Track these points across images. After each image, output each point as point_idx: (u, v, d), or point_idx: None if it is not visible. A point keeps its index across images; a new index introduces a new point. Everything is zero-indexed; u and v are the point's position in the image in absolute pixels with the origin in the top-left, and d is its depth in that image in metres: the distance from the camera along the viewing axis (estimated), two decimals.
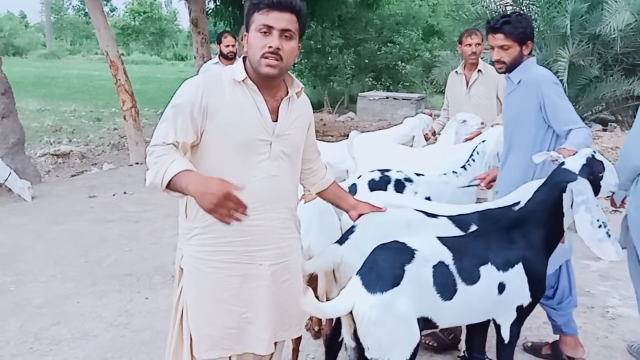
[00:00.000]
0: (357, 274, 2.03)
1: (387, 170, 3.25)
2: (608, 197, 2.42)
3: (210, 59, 8.05)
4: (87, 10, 8.95)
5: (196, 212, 1.89)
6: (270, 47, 1.76)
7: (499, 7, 11.65)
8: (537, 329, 3.42)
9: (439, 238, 2.21)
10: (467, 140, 4.08)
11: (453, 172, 3.39)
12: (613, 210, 6.00)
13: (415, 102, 13.14)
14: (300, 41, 1.87)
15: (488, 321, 2.39)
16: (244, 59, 1.90)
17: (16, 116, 7.01)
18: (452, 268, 2.11)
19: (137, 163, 8.31)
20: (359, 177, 3.30)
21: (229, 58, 5.88)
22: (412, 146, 4.77)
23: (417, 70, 16.66)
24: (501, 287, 2.18)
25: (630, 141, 2.83)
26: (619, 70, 9.79)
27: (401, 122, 5.25)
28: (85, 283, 4.09)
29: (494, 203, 2.57)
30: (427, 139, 4.94)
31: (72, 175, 7.68)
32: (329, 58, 15.20)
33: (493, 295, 2.18)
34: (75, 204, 6.12)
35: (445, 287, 2.08)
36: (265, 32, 1.78)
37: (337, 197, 2.27)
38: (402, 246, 2.11)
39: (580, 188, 2.20)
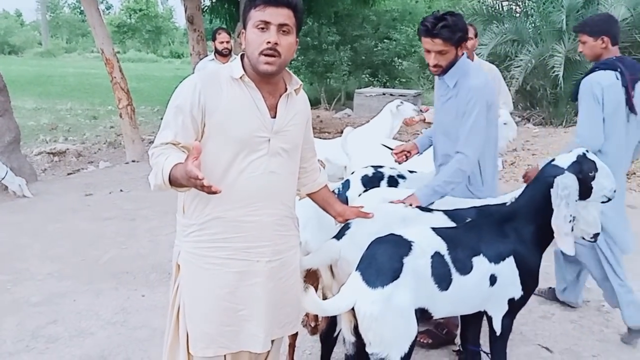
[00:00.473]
0: (356, 270, 2.04)
1: (381, 167, 3.26)
2: (604, 202, 2.38)
3: (207, 56, 8.04)
4: (82, 8, 8.91)
5: (193, 209, 1.89)
6: (268, 42, 1.76)
7: (495, 2, 11.66)
8: (533, 323, 3.44)
9: (433, 229, 2.24)
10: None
11: None
12: None
13: (412, 98, 13.12)
14: (297, 36, 1.87)
15: (482, 314, 2.41)
16: (242, 56, 1.90)
17: (12, 114, 6.99)
18: (447, 258, 2.15)
19: (133, 161, 8.30)
20: (352, 173, 3.31)
21: (224, 55, 5.89)
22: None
23: (414, 66, 16.62)
24: (493, 279, 2.22)
25: (583, 125, 2.97)
26: None
27: None
28: (82, 281, 4.09)
29: (496, 199, 2.59)
30: (408, 124, 5.02)
31: (69, 174, 7.67)
32: (326, 55, 15.16)
33: (485, 286, 2.22)
34: (72, 202, 6.11)
35: (442, 278, 2.12)
36: (262, 28, 1.78)
37: (325, 201, 2.27)
38: (398, 239, 2.13)
39: (566, 182, 2.23)
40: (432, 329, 3.09)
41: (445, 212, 2.47)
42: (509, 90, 10.31)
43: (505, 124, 4.30)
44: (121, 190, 6.60)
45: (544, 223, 2.29)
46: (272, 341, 2.12)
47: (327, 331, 2.60)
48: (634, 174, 6.98)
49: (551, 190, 2.25)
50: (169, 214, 5.44)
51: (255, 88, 1.85)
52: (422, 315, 2.13)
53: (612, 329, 3.37)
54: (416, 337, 2.07)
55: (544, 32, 10.12)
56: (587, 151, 2.34)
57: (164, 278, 4.09)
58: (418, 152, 3.15)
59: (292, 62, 15.61)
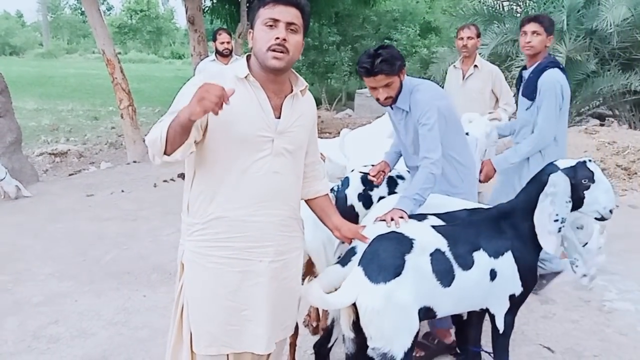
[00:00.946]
0: (359, 265, 2.05)
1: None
2: (597, 219, 2.37)
3: (207, 56, 8.04)
4: (83, 9, 8.92)
5: (197, 208, 1.90)
6: (277, 38, 1.78)
7: (495, 2, 11.66)
8: (535, 322, 3.43)
9: (433, 226, 2.25)
10: None
11: None
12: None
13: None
14: (304, 38, 1.88)
15: (482, 314, 2.41)
16: (248, 57, 1.91)
17: (13, 115, 7.00)
18: (449, 254, 2.16)
19: (134, 161, 8.31)
20: (351, 171, 3.31)
21: (224, 55, 5.89)
22: None
23: (415, 66, 16.63)
24: (493, 274, 2.24)
25: (546, 120, 3.31)
26: (615, 65, 9.80)
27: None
28: (83, 281, 4.09)
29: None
30: None
31: (70, 174, 7.68)
32: (327, 55, 15.19)
33: (486, 281, 2.23)
34: (73, 203, 6.12)
35: (444, 274, 2.13)
36: (271, 26, 1.79)
37: (323, 211, 2.20)
38: (400, 236, 2.14)
39: (555, 180, 2.24)
40: (422, 341, 3.00)
41: (439, 216, 2.47)
42: (510, 90, 10.36)
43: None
44: (122, 191, 6.60)
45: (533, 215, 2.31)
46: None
47: (321, 342, 2.58)
48: (635, 173, 6.97)
49: (545, 186, 2.27)
50: (170, 215, 5.46)
51: (260, 88, 1.85)
52: (427, 314, 2.13)
53: (613, 329, 3.37)
54: (418, 333, 2.07)
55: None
56: (589, 160, 2.33)
57: (165, 278, 4.10)
58: (390, 169, 3.18)
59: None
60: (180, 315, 1.99)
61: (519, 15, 11.47)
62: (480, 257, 2.22)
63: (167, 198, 6.15)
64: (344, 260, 2.26)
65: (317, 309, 3.05)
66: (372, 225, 2.34)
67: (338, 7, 14.20)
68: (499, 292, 2.28)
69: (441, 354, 3.03)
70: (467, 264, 2.18)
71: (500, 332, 2.35)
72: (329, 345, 2.56)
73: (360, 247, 2.23)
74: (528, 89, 3.40)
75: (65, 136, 10.22)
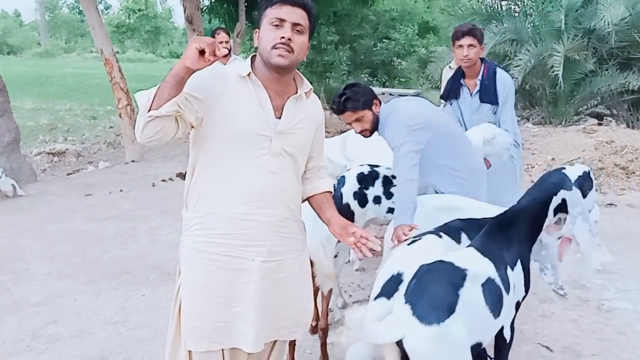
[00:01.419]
0: (405, 302, 1.84)
1: (377, 166, 3.27)
2: None
3: None
4: (81, 8, 8.91)
5: (195, 201, 1.90)
6: (282, 37, 1.78)
7: (494, 2, 11.68)
8: (533, 322, 3.44)
9: (474, 247, 2.12)
10: None
11: None
12: (608, 204, 6.04)
13: (412, 97, 13.15)
14: (309, 40, 1.88)
15: None
16: (253, 57, 1.91)
17: (11, 115, 6.99)
18: (498, 281, 2.01)
19: (133, 161, 8.30)
20: (348, 170, 3.33)
21: (223, 55, 5.87)
22: None
23: (413, 66, 16.68)
24: (511, 289, 2.13)
25: (513, 121, 3.61)
26: (614, 65, 9.83)
27: None
28: (82, 281, 4.09)
29: None
30: None
31: (68, 174, 7.67)
32: (325, 54, 15.17)
33: (511, 297, 2.12)
34: (72, 203, 6.12)
35: (495, 304, 1.98)
36: (277, 25, 1.80)
37: (318, 206, 2.12)
38: (451, 267, 1.95)
39: (575, 200, 2.24)
40: None
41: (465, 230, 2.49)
42: None
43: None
44: (121, 191, 6.60)
45: (538, 223, 2.29)
46: (275, 342, 2.12)
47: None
48: (634, 172, 6.99)
49: (554, 197, 2.26)
50: (168, 215, 5.46)
51: (262, 87, 1.85)
52: (475, 349, 1.94)
53: (612, 328, 3.38)
54: None
55: (543, 32, 10.13)
56: (590, 169, 2.36)
57: (164, 278, 4.10)
58: None
59: None
60: (178, 312, 1.99)
61: (517, 14, 11.49)
62: (510, 274, 2.12)
63: (166, 197, 6.15)
64: (388, 291, 2.10)
65: (316, 308, 3.05)
66: (404, 250, 2.29)
67: (336, 7, 14.20)
68: (512, 302, 2.19)
69: None
70: (508, 287, 2.06)
71: (508, 341, 2.26)
72: None
73: (407, 275, 2.07)
74: (489, 95, 3.57)
75: (64, 136, 10.20)
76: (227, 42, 5.89)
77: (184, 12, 9.43)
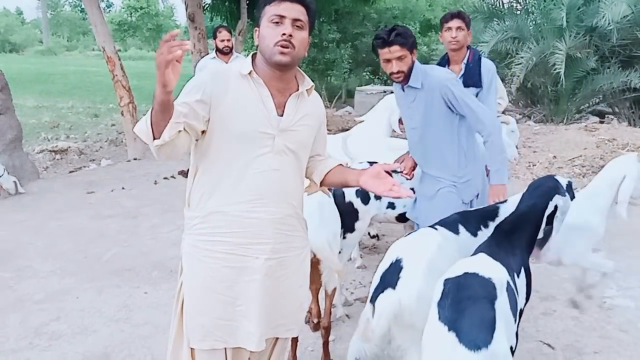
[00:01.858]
0: (449, 330, 1.73)
1: (376, 162, 3.27)
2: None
3: (208, 54, 8.03)
4: (83, 6, 8.91)
5: (197, 201, 1.90)
6: (283, 34, 1.78)
7: (496, 0, 11.66)
8: (535, 320, 3.45)
9: (487, 254, 2.10)
10: None
11: None
12: None
13: None
14: (310, 35, 1.88)
15: None
16: (254, 55, 1.91)
17: (13, 112, 7.00)
18: (513, 286, 2.00)
19: (135, 159, 8.31)
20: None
21: (224, 53, 5.88)
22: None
23: None
24: (520, 293, 2.13)
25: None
26: (615, 62, 9.82)
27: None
28: (84, 278, 4.10)
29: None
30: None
31: (70, 172, 7.68)
32: (327, 52, 15.16)
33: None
34: (74, 200, 6.13)
35: (515, 309, 1.94)
36: (277, 22, 1.80)
37: (339, 180, 2.10)
38: (480, 280, 1.88)
39: (566, 206, 2.30)
40: None
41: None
42: (510, 87, 10.36)
43: (512, 131, 4.36)
44: (123, 188, 6.61)
45: (537, 230, 2.31)
46: (277, 340, 2.12)
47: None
48: None
49: (550, 202, 2.29)
50: (171, 212, 5.47)
51: (264, 85, 1.86)
52: None
53: (613, 326, 3.38)
54: None
55: (544, 30, 10.12)
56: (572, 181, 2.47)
57: (166, 275, 4.11)
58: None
59: None
60: (180, 310, 1.99)
61: (518, 12, 11.48)
62: (517, 280, 2.12)
63: (168, 195, 6.16)
64: (392, 281, 2.10)
65: (318, 305, 3.06)
66: (401, 240, 2.31)
67: (338, 5, 14.19)
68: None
69: None
70: (518, 292, 2.05)
71: (514, 349, 2.18)
72: None
73: (404, 262, 2.10)
74: (473, 78, 3.55)
75: (66, 133, 10.21)
76: (228, 40, 5.91)
77: (186, 10, 9.42)
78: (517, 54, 10.06)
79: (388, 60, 2.84)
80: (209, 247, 1.89)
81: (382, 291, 2.12)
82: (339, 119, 12.61)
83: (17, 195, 6.26)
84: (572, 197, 2.39)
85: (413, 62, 2.88)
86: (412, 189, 3.11)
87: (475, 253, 2.17)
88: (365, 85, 15.42)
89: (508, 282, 1.97)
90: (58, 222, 5.40)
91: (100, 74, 18.29)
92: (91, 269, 4.29)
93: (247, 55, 1.96)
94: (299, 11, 1.81)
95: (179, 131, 1.71)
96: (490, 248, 2.18)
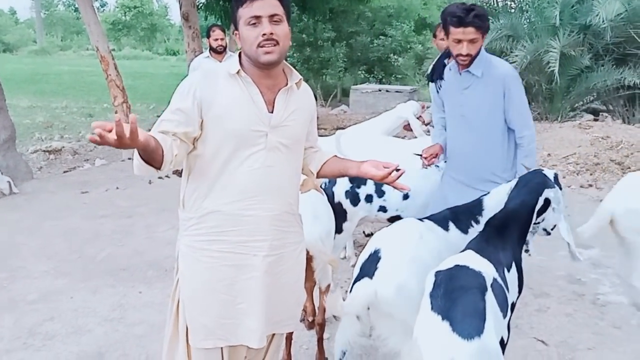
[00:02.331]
0: (443, 320, 1.73)
1: None
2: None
3: (202, 52, 8.02)
4: (77, 5, 8.88)
5: (192, 203, 1.91)
6: (264, 34, 1.78)
7: None
8: (529, 316, 3.46)
9: (473, 249, 2.12)
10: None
11: (435, 165, 3.35)
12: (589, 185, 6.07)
13: (408, 94, 13.13)
14: (289, 23, 1.88)
15: None
16: (240, 54, 1.91)
17: (7, 113, 6.96)
18: (500, 281, 2.01)
19: (129, 158, 8.27)
20: None
21: (218, 52, 5.88)
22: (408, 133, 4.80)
23: (410, 62, 16.65)
24: (509, 289, 2.13)
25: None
26: (609, 60, 9.83)
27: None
28: (78, 278, 4.09)
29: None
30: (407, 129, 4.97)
31: (65, 172, 7.65)
32: (321, 51, 15.16)
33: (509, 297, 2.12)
34: (68, 200, 6.10)
35: (503, 304, 1.96)
36: (254, 24, 1.79)
37: (338, 169, 2.13)
38: (472, 272, 1.92)
39: (558, 196, 2.28)
40: None
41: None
42: None
43: None
44: (117, 188, 6.59)
45: (527, 226, 2.31)
46: (272, 337, 2.13)
47: None
48: (629, 168, 7.01)
49: (539, 197, 2.29)
50: (166, 211, 5.45)
51: (252, 83, 1.86)
52: None
53: (607, 322, 3.40)
54: None
55: (538, 28, 10.14)
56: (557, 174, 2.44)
57: (161, 275, 4.10)
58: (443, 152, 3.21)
59: (288, 59, 15.55)
60: (176, 309, 2.00)
61: (513, 10, 11.50)
62: (507, 275, 2.13)
63: (163, 195, 6.14)
64: (370, 271, 2.13)
65: (313, 304, 3.06)
66: (382, 231, 2.32)
67: (333, 4, 14.16)
68: (508, 303, 2.16)
69: None
70: (507, 287, 2.06)
71: (505, 343, 2.17)
72: None
73: (382, 252, 2.15)
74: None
75: (60, 133, 10.16)
76: (222, 39, 5.91)
77: (180, 9, 9.40)
78: (511, 52, 10.07)
79: (459, 41, 2.71)
80: (206, 247, 1.90)
81: (359, 280, 2.15)
82: (334, 117, 12.62)
83: (10, 195, 6.23)
84: (560, 188, 2.37)
85: (481, 47, 2.79)
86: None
87: (464, 249, 2.18)
88: (361, 83, 15.42)
89: (494, 279, 1.98)
90: (52, 222, 5.38)
91: (94, 74, 18.22)
92: (85, 268, 4.28)
93: None
94: (273, 6, 1.80)
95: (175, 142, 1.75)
96: (479, 244, 2.20)
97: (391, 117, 4.91)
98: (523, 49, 9.73)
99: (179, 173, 7.27)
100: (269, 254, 1.92)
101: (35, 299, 3.76)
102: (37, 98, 14.57)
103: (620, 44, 9.82)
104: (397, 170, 1.95)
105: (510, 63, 9.59)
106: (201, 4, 11.60)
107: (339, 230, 3.19)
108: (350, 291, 2.18)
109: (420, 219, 2.47)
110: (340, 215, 3.13)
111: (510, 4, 11.80)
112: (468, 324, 1.70)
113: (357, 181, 3.14)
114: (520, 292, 2.31)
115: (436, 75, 3.80)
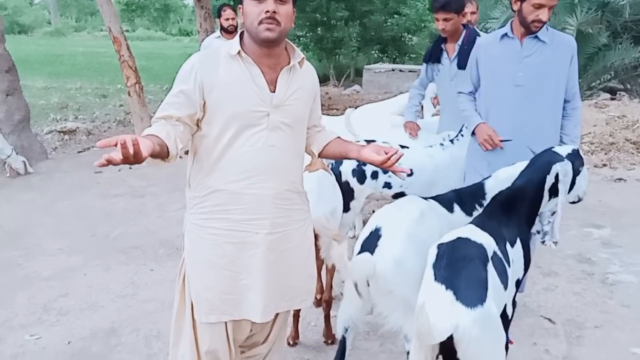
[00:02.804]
0: (447, 289, 1.76)
1: (372, 141, 3.27)
2: (574, 202, 2.43)
3: (214, 32, 8.00)
4: None
5: (197, 182, 1.94)
6: (267, 11, 1.77)
7: None
8: (537, 295, 3.46)
9: (475, 224, 2.14)
10: None
11: (440, 144, 3.34)
12: (617, 179, 5.99)
13: None
14: (294, 7, 1.87)
15: None
16: (242, 34, 1.91)
17: (21, 93, 7.03)
18: (500, 255, 2.03)
19: None
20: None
21: (229, 32, 5.87)
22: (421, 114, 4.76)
23: (424, 42, 16.40)
24: (510, 264, 2.14)
25: None
26: (627, 38, 9.63)
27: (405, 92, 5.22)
28: (92, 256, 4.16)
29: None
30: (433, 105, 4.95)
31: (79, 152, 7.73)
32: (334, 31, 15.01)
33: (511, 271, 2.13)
34: (82, 180, 6.19)
35: (503, 276, 1.98)
36: (259, 0, 1.79)
37: (339, 152, 2.15)
38: (473, 244, 1.96)
39: (567, 169, 2.26)
40: None
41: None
42: None
43: None
44: (130, 168, 6.63)
45: (536, 204, 2.31)
46: (277, 314, 2.16)
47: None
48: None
49: (547, 176, 2.27)
50: (177, 191, 5.50)
51: (254, 63, 1.86)
52: None
53: (615, 301, 3.39)
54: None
55: (556, 5, 9.95)
56: (578, 148, 2.39)
57: (172, 253, 4.16)
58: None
59: (301, 39, 15.50)
60: (182, 285, 2.04)
61: None
62: (510, 250, 2.14)
63: (175, 174, 6.18)
64: (371, 246, 2.16)
65: (321, 282, 3.09)
66: (383, 208, 2.34)
67: None
68: (512, 280, 2.17)
69: None
70: (509, 261, 2.08)
71: (510, 317, 2.24)
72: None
73: (383, 229, 2.17)
74: (467, 61, 3.44)
75: (74, 114, 10.23)
76: (233, 18, 5.88)
77: None
78: None
79: (540, 6, 2.69)
80: (209, 225, 1.93)
81: (360, 254, 2.18)
82: (346, 97, 12.56)
83: (26, 175, 6.33)
84: (581, 163, 2.34)
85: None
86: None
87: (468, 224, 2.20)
88: (374, 63, 15.29)
89: (494, 252, 1.99)
90: (66, 201, 5.46)
91: (108, 55, 18.26)
92: (99, 247, 4.35)
93: None
94: None
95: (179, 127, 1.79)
96: (481, 219, 2.21)
97: (403, 101, 4.88)
98: None
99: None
100: (271, 231, 1.93)
101: (50, 276, 3.84)
102: (51, 79, 14.66)
103: (639, 21, 9.61)
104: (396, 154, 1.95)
105: None
106: None
107: (346, 208, 3.20)
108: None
109: (426, 198, 2.47)
110: (347, 194, 3.14)
111: None
112: (471, 293, 1.74)
113: None
114: (527, 269, 2.31)
115: (433, 58, 3.78)
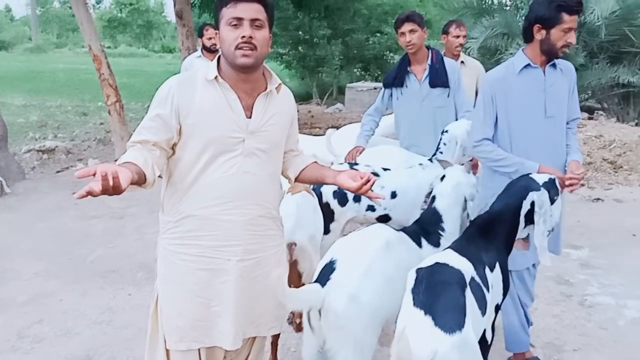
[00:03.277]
0: (425, 314, 1.75)
1: (356, 164, 3.28)
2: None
3: (196, 51, 7.99)
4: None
5: (171, 206, 1.93)
6: (243, 37, 1.78)
7: None
8: None
9: (453, 249, 2.13)
10: None
11: (419, 164, 3.32)
12: (595, 199, 6.07)
13: None
14: (270, 31, 1.88)
15: None
16: (219, 58, 1.91)
17: None
18: (478, 280, 2.02)
19: None
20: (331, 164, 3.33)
21: (211, 51, 5.86)
22: None
23: None
24: (490, 289, 2.13)
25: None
26: (604, 58, 9.83)
27: (390, 113, 5.24)
28: (68, 280, 4.08)
29: None
30: None
31: (57, 171, 7.63)
32: (317, 49, 15.12)
33: (488, 298, 2.11)
34: (60, 201, 6.09)
35: (482, 302, 1.99)
36: (235, 25, 1.79)
37: (316, 177, 2.14)
38: (450, 270, 1.95)
39: (543, 199, 2.27)
40: None
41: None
42: None
43: None
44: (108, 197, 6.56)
45: (514, 229, 2.31)
46: (254, 339, 2.14)
47: None
48: (621, 167, 7.03)
49: (523, 201, 2.28)
50: (156, 213, 5.33)
51: (230, 89, 1.86)
52: None
53: (594, 323, 3.41)
54: None
55: None
56: (555, 177, 2.40)
57: (151, 277, 4.09)
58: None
59: (284, 57, 15.58)
60: (154, 311, 2.02)
61: (508, 8, 11.49)
62: (489, 274, 2.12)
63: (154, 195, 6.05)
64: (322, 279, 2.08)
65: None
66: (342, 239, 2.30)
67: (328, 1, 14.10)
68: (491, 304, 2.16)
69: None
70: (488, 286, 2.07)
71: (489, 343, 2.20)
72: None
73: (339, 262, 2.08)
74: (441, 78, 3.59)
75: (54, 132, 10.12)
76: (215, 38, 5.88)
77: (174, 6, 9.36)
78: (506, 50, 10.05)
79: (570, 29, 2.57)
80: (181, 250, 1.92)
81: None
82: (329, 116, 12.61)
83: (2, 196, 6.22)
84: (556, 193, 2.35)
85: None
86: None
87: (446, 249, 2.20)
88: (356, 81, 15.40)
89: (472, 277, 1.99)
90: (43, 223, 5.37)
91: (89, 72, 18.11)
92: (75, 270, 4.27)
93: None
94: (256, 10, 1.80)
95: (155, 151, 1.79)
96: (459, 243, 2.22)
97: (390, 120, 4.90)
98: (518, 47, 9.72)
99: None
100: (243, 258, 1.92)
101: (25, 301, 3.76)
102: (31, 96, 14.49)
103: (614, 41, 9.82)
104: (369, 181, 1.94)
105: (505, 61, 9.71)
106: (196, 2, 11.56)
107: (326, 231, 3.19)
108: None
109: (392, 226, 2.45)
110: (328, 215, 3.13)
111: (506, 2, 11.79)
112: (450, 319, 1.74)
113: None
114: (505, 294, 2.32)
115: (397, 82, 3.71)
